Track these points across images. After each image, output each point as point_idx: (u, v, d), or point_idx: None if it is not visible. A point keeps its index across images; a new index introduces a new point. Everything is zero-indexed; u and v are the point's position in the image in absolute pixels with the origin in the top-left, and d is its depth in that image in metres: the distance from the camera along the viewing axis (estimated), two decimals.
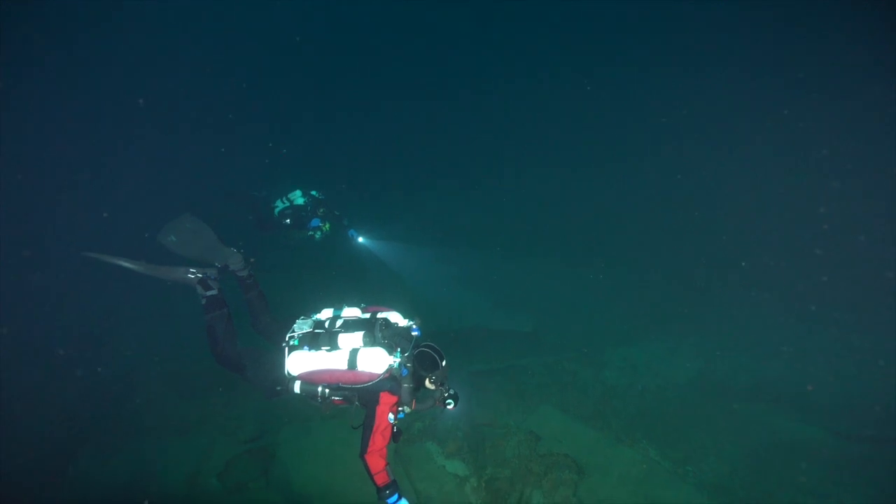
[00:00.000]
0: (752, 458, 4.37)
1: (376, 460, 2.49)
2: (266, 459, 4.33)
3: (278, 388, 2.78)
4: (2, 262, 7.32)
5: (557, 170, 13.33)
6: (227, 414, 4.91)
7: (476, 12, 18.24)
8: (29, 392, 5.37)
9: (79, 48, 11.55)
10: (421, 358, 2.64)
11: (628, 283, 8.31)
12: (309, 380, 2.66)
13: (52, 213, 9.16)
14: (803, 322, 6.77)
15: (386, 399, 2.55)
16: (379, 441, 2.49)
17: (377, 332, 2.63)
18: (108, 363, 5.93)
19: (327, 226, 6.41)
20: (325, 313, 2.89)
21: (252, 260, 3.26)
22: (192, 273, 3.11)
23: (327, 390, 2.66)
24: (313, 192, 6.55)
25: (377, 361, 2.54)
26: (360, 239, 6.94)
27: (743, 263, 7.90)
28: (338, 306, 2.92)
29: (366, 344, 2.60)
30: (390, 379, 2.57)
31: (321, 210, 6.43)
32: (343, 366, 2.57)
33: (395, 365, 2.57)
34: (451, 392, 2.70)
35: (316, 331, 2.75)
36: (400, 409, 2.61)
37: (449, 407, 2.69)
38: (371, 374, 2.55)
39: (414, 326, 2.76)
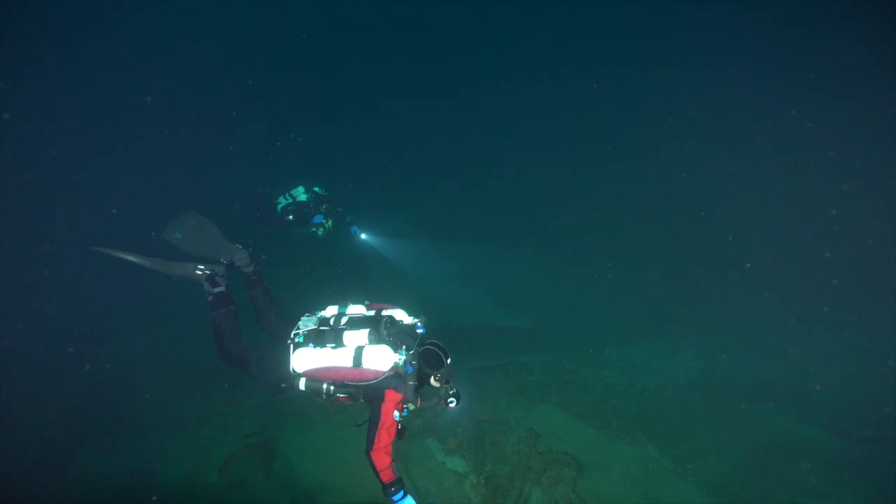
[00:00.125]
0: (752, 457, 4.37)
1: (382, 457, 2.50)
2: (267, 455, 4.33)
3: (283, 385, 2.79)
4: (2, 262, 7.32)
5: (557, 169, 13.33)
6: (229, 411, 4.91)
7: (476, 12, 18.28)
8: (29, 392, 5.36)
9: (79, 48, 11.55)
10: (426, 355, 2.66)
11: (628, 282, 8.31)
12: (314, 377, 2.67)
13: (52, 213, 9.16)
14: (803, 322, 6.77)
15: (391, 396, 2.56)
16: (384, 438, 2.50)
17: (382, 330, 2.64)
18: (108, 363, 5.93)
19: (330, 222, 6.41)
20: (330, 310, 2.90)
21: (264, 257, 3.27)
22: (201, 270, 3.12)
23: (332, 387, 2.67)
24: (316, 189, 6.55)
25: (382, 359, 2.55)
26: (363, 235, 6.96)
27: (748, 265, 7.89)
28: (342, 303, 2.93)
29: (371, 341, 2.61)
30: (395, 376, 2.58)
31: (324, 206, 6.42)
32: (348, 363, 2.58)
33: (401, 362, 2.58)
34: (455, 391, 2.72)
35: (321, 328, 2.76)
36: (405, 406, 2.62)
37: (451, 405, 2.70)
38: (376, 372, 2.56)
39: (419, 324, 2.78)
